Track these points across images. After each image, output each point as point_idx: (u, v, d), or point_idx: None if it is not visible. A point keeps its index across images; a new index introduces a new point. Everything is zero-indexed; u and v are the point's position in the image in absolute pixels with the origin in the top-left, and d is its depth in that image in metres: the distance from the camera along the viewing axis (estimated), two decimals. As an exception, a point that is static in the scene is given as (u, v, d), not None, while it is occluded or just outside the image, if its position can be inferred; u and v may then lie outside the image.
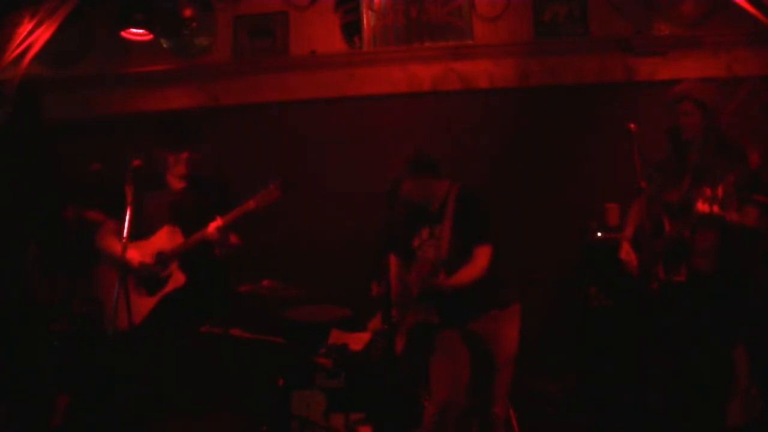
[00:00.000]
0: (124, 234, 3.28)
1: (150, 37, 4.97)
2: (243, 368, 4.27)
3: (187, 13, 5.12)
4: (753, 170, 3.33)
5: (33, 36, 4.62)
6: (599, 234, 4.48)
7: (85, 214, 4.18)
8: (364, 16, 5.11)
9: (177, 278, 3.56)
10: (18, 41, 4.60)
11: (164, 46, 5.21)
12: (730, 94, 4.45)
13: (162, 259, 3.58)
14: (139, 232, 3.58)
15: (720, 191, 3.18)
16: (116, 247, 3.46)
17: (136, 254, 3.56)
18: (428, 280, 3.37)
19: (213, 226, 3.48)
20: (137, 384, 3.49)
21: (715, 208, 3.20)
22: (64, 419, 4.05)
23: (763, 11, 4.11)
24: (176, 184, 3.75)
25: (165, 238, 3.60)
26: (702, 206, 3.22)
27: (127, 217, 3.28)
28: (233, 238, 3.66)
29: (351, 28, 5.16)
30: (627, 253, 3.66)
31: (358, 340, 4.33)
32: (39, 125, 5.33)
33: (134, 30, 4.90)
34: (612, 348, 4.19)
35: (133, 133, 4.95)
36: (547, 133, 4.92)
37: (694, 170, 3.41)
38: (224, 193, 3.74)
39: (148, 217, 3.62)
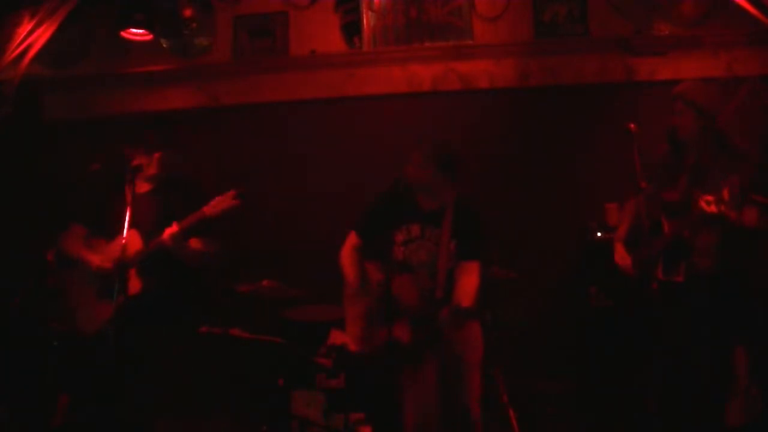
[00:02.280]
0: (124, 234, 3.27)
1: (150, 37, 4.97)
2: (243, 368, 4.27)
3: (187, 13, 5.13)
4: (755, 171, 3.34)
5: (33, 36, 4.63)
6: (599, 234, 4.48)
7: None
8: (364, 16, 5.11)
9: (133, 285, 3.48)
10: (18, 41, 4.61)
11: (164, 46, 5.21)
12: (730, 94, 4.46)
13: (122, 264, 3.45)
14: (105, 235, 3.54)
15: (726, 194, 3.19)
16: (84, 252, 3.49)
17: (95, 258, 3.51)
18: (429, 297, 3.27)
19: (168, 233, 3.42)
20: (136, 385, 3.48)
21: (723, 208, 3.21)
22: (64, 419, 4.04)
23: (763, 11, 4.12)
24: (141, 186, 3.63)
25: (127, 243, 3.45)
26: (709, 208, 3.23)
27: (127, 217, 3.27)
28: (194, 243, 3.57)
29: (351, 28, 5.16)
30: (622, 257, 3.67)
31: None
32: (39, 125, 5.33)
33: (134, 30, 4.90)
34: (612, 348, 4.19)
35: (133, 133, 4.97)
36: (547, 133, 4.92)
37: (691, 170, 3.41)
38: (193, 194, 3.62)
39: (112, 219, 3.50)
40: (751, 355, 3.67)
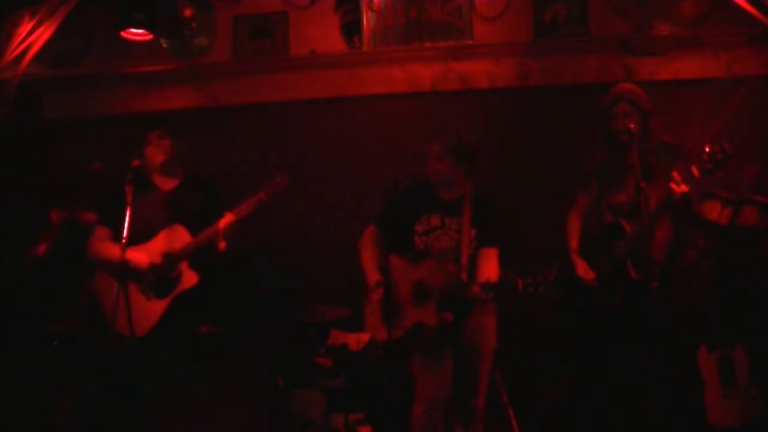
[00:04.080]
0: (124, 235, 3.26)
1: (150, 37, 4.97)
2: (243, 368, 4.27)
3: (187, 13, 5.12)
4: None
5: (33, 36, 4.63)
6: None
7: (76, 215, 4.11)
8: (364, 16, 5.11)
9: (188, 278, 3.53)
10: (18, 41, 4.61)
11: (164, 46, 5.21)
12: (730, 94, 4.46)
13: (170, 259, 3.54)
14: (135, 236, 3.49)
15: (695, 170, 3.26)
16: (116, 252, 3.42)
17: (144, 257, 3.52)
18: (455, 279, 3.37)
19: (224, 222, 3.46)
20: (142, 386, 3.48)
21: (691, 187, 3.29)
22: (66, 418, 4.04)
23: (763, 11, 4.12)
24: (165, 184, 3.72)
25: (169, 239, 3.56)
26: (679, 188, 3.30)
27: (127, 218, 3.27)
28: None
29: (351, 28, 5.16)
30: (585, 271, 3.72)
31: (358, 340, 4.34)
32: (39, 125, 5.33)
33: (134, 30, 4.89)
34: (612, 348, 4.19)
35: (133, 133, 4.97)
36: (547, 133, 4.91)
37: (641, 169, 3.43)
38: (213, 191, 3.70)
39: (141, 219, 3.50)
40: (752, 356, 3.68)
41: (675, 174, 3.36)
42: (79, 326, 4.09)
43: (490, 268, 3.46)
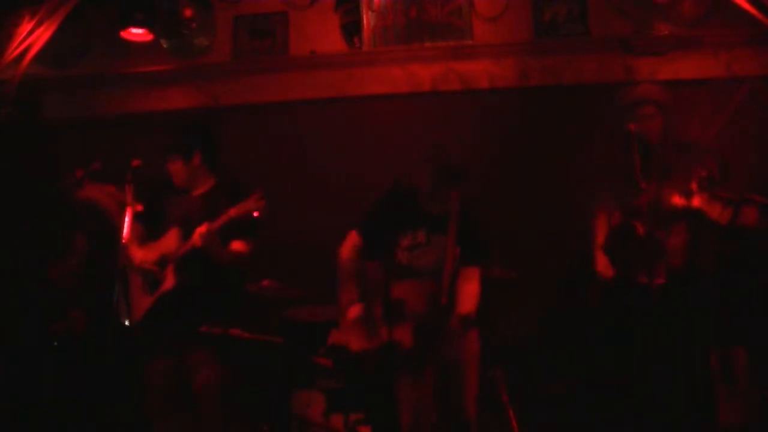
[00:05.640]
0: (125, 234, 3.32)
1: (150, 37, 4.97)
2: (243, 368, 4.27)
3: (187, 13, 5.12)
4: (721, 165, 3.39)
5: (33, 36, 4.63)
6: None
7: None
8: (364, 16, 5.11)
9: (168, 281, 3.61)
10: (18, 41, 4.62)
11: (164, 46, 5.21)
12: (730, 94, 4.46)
13: (163, 261, 3.64)
14: (156, 234, 3.72)
15: (694, 186, 3.26)
16: (132, 247, 3.65)
17: (140, 254, 3.67)
18: (435, 303, 3.27)
19: (197, 233, 3.48)
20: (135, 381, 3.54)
21: (695, 202, 3.28)
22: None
23: (763, 11, 4.12)
24: (196, 190, 3.80)
25: (171, 241, 3.65)
26: (679, 200, 3.30)
27: (127, 218, 3.31)
28: (236, 245, 3.64)
29: (351, 28, 5.16)
30: (605, 266, 3.71)
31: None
32: (39, 125, 5.33)
33: (134, 30, 4.90)
34: (613, 348, 4.19)
35: (133, 133, 4.97)
36: (547, 133, 4.92)
37: (661, 171, 3.43)
38: (239, 197, 3.69)
39: (168, 220, 3.70)
40: (751, 355, 3.68)
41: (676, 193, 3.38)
42: (86, 317, 4.19)
43: (470, 292, 3.34)
